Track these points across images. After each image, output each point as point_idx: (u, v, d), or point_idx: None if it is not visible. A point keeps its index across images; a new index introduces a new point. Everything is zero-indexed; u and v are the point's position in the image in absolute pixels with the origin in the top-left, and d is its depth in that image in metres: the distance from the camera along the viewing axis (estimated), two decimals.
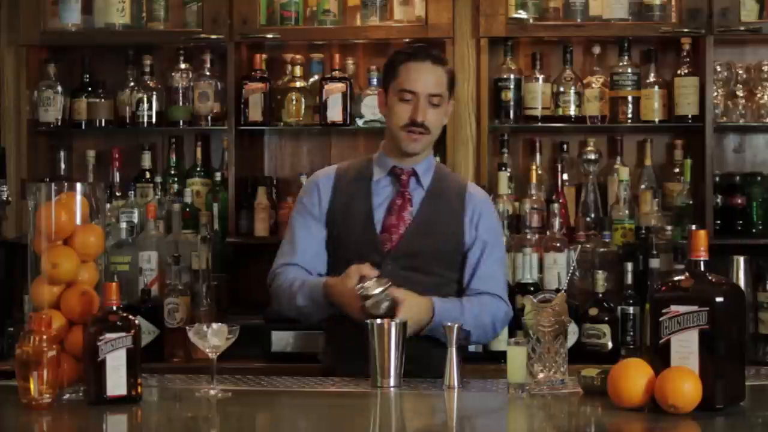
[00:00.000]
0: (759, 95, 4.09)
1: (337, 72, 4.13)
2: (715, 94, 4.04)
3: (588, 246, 3.94)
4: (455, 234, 3.16)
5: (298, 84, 4.19)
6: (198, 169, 4.30)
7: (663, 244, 3.88)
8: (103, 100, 4.26)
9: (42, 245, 2.63)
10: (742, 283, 3.75)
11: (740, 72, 4.12)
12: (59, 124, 4.24)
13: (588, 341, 3.71)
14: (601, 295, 3.73)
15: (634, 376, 2.45)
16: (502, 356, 2.94)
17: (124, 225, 3.99)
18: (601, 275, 3.74)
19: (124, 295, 3.04)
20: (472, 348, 3.50)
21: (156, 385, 2.86)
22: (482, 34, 4.01)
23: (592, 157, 4.18)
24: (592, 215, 4.09)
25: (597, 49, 4.16)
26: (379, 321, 2.80)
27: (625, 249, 3.91)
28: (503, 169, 4.12)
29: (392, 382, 2.77)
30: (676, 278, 2.52)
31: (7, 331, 3.77)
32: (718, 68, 4.08)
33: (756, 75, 4.12)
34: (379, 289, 2.87)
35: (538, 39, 4.17)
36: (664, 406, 2.39)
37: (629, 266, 3.78)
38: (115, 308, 2.57)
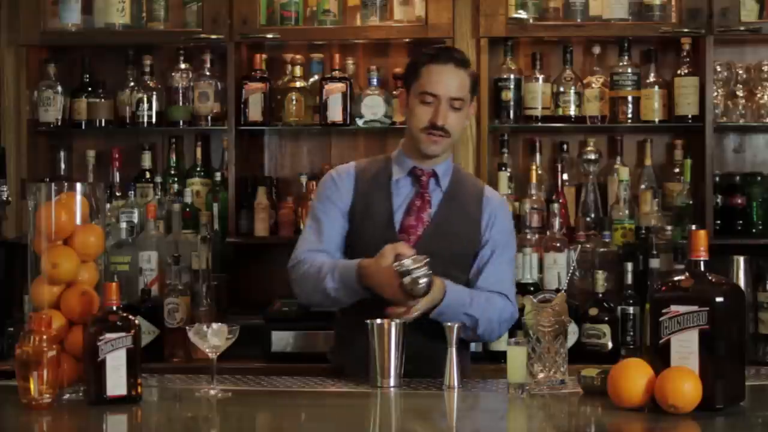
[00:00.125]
0: (759, 95, 4.08)
1: (337, 72, 4.12)
2: (715, 94, 4.04)
3: (588, 246, 3.94)
4: (471, 237, 3.14)
5: (298, 84, 4.18)
6: (198, 169, 4.30)
7: (663, 244, 3.88)
8: (103, 100, 4.26)
9: (42, 245, 2.63)
10: (742, 283, 3.75)
11: (740, 72, 4.12)
12: (59, 124, 4.24)
13: (588, 341, 3.71)
14: (601, 295, 3.73)
15: (634, 376, 2.45)
16: (502, 356, 2.94)
17: (124, 225, 3.99)
18: (601, 275, 3.74)
19: (124, 295, 3.05)
20: (472, 347, 3.49)
21: (156, 385, 2.86)
22: (482, 34, 4.01)
23: (592, 157, 4.18)
24: (592, 215, 4.09)
25: (597, 49, 4.16)
26: (379, 321, 2.80)
27: (625, 249, 3.91)
28: (503, 169, 4.12)
29: (392, 382, 2.78)
30: (676, 278, 2.53)
31: (7, 331, 3.77)
32: (718, 68, 4.08)
33: (756, 75, 4.11)
34: (418, 266, 2.81)
35: (538, 39, 4.17)
36: (664, 406, 2.39)
37: (629, 266, 3.78)
38: (115, 308, 2.57)
